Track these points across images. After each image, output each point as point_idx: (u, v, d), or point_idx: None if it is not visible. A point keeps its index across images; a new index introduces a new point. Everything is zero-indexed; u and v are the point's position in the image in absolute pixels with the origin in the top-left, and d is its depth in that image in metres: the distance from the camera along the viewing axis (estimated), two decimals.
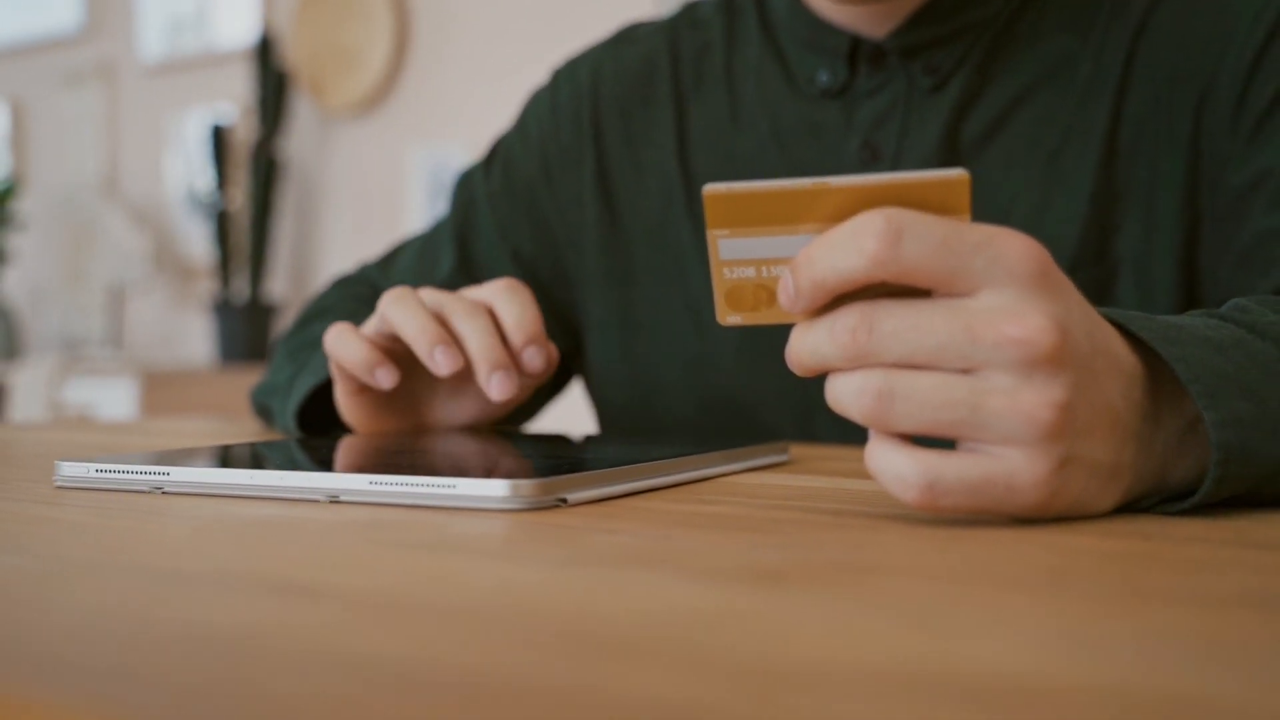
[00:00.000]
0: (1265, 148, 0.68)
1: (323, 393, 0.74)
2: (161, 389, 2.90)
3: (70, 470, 0.50)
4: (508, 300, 0.65)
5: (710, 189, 0.40)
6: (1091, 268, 0.72)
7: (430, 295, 0.65)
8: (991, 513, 0.39)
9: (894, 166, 0.76)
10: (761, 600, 0.29)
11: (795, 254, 0.40)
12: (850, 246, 0.38)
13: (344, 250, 3.19)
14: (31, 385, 2.91)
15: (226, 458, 0.53)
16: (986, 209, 0.74)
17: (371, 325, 0.66)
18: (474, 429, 0.69)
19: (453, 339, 0.63)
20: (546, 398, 0.92)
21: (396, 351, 0.66)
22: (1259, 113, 0.68)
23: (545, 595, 0.29)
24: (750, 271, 0.42)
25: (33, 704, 0.20)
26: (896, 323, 0.39)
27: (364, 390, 0.67)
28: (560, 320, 0.88)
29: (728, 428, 0.81)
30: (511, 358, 0.64)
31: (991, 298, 0.38)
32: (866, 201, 0.40)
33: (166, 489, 0.48)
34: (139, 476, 0.49)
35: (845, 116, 0.78)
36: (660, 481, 0.50)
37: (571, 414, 1.21)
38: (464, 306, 0.64)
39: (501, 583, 0.31)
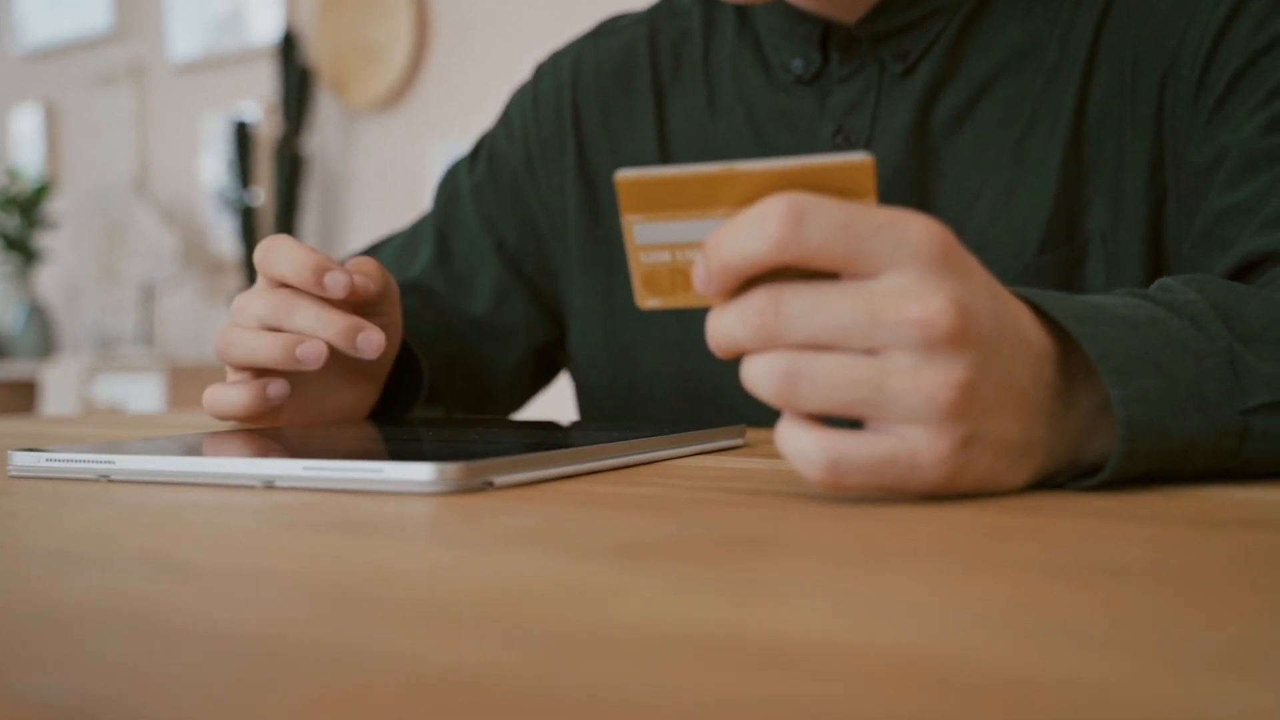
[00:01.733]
0: (1224, 126, 0.68)
1: None
2: (190, 384, 2.94)
3: (22, 460, 0.52)
4: (274, 253, 0.63)
5: (622, 174, 0.41)
6: (1061, 247, 0.72)
7: (245, 314, 0.63)
8: (896, 491, 0.40)
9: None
10: (618, 575, 0.29)
11: (706, 238, 0.41)
12: (755, 231, 0.39)
13: (367, 244, 3.21)
14: (63, 382, 2.95)
15: (171, 446, 0.54)
16: (957, 192, 0.74)
17: (236, 354, 0.64)
18: (437, 416, 0.70)
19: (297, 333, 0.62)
20: (532, 389, 0.93)
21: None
22: (1219, 91, 0.68)
23: (412, 572, 0.30)
24: (665, 256, 0.43)
25: None
26: (801, 304, 0.39)
27: (276, 399, 0.65)
28: (546, 311, 0.89)
29: (706, 413, 0.81)
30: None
31: (894, 279, 0.39)
32: (774, 186, 0.40)
33: (113, 477, 0.49)
34: (86, 465, 0.50)
35: (819, 103, 0.79)
36: (596, 465, 0.51)
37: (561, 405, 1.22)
38: (281, 302, 0.62)
39: (385, 561, 0.32)
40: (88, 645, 0.23)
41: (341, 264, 0.64)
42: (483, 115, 2.99)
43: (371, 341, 0.62)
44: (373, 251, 0.95)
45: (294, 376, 0.65)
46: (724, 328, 0.41)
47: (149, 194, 3.69)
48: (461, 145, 3.00)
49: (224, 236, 3.50)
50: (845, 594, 0.27)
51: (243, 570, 0.31)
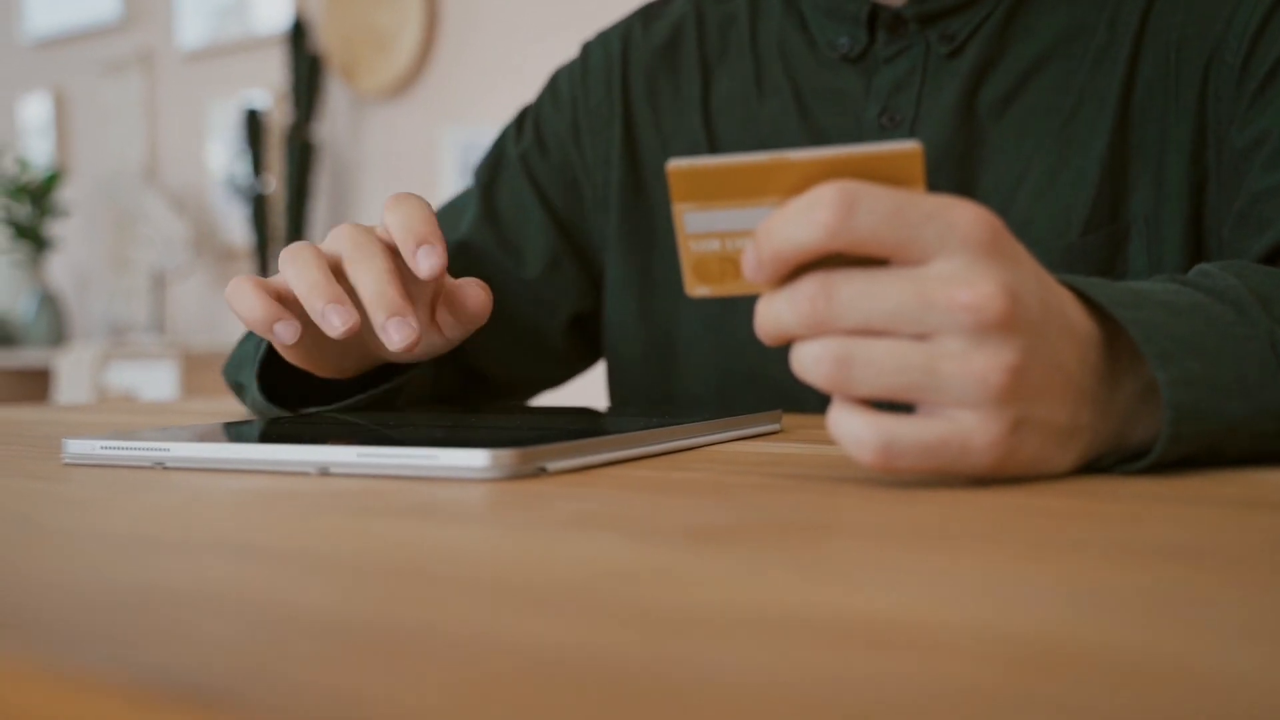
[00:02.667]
0: (1267, 110, 0.69)
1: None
2: (202, 371, 2.95)
3: (77, 448, 0.53)
4: (394, 209, 0.61)
5: (674, 164, 0.42)
6: (1104, 229, 0.73)
7: (334, 244, 0.61)
8: (947, 474, 0.40)
9: (911, 132, 0.77)
10: (694, 558, 0.30)
11: (757, 226, 0.42)
12: (806, 218, 0.40)
13: None
14: (76, 370, 2.96)
15: (224, 434, 0.55)
16: (1002, 174, 0.75)
17: (276, 278, 0.62)
18: (476, 402, 0.70)
19: (348, 291, 0.60)
20: (574, 363, 0.93)
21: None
22: (1262, 75, 0.69)
23: (487, 556, 0.31)
24: (715, 244, 0.43)
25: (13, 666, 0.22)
26: (853, 290, 0.40)
27: (287, 342, 0.62)
28: (591, 280, 0.89)
29: (743, 391, 0.82)
30: (409, 303, 0.59)
31: (944, 265, 0.39)
32: (824, 174, 0.41)
33: (168, 464, 0.50)
34: (142, 453, 0.51)
35: (864, 83, 0.80)
36: (642, 451, 0.52)
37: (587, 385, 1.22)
38: (361, 251, 0.60)
39: (453, 544, 0.33)
40: (192, 626, 0.24)
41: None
42: (493, 101, 3.00)
43: (400, 334, 0.57)
44: None
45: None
46: (773, 314, 0.41)
47: (159, 182, 3.70)
48: (472, 131, 3.01)
49: (234, 224, 3.51)
50: (924, 575, 0.28)
51: (322, 554, 0.31)
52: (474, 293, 0.64)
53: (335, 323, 0.58)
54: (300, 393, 0.74)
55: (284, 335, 0.60)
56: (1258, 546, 0.31)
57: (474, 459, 0.45)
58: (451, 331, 0.66)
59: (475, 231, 0.88)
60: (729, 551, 0.31)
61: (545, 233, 0.88)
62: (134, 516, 0.39)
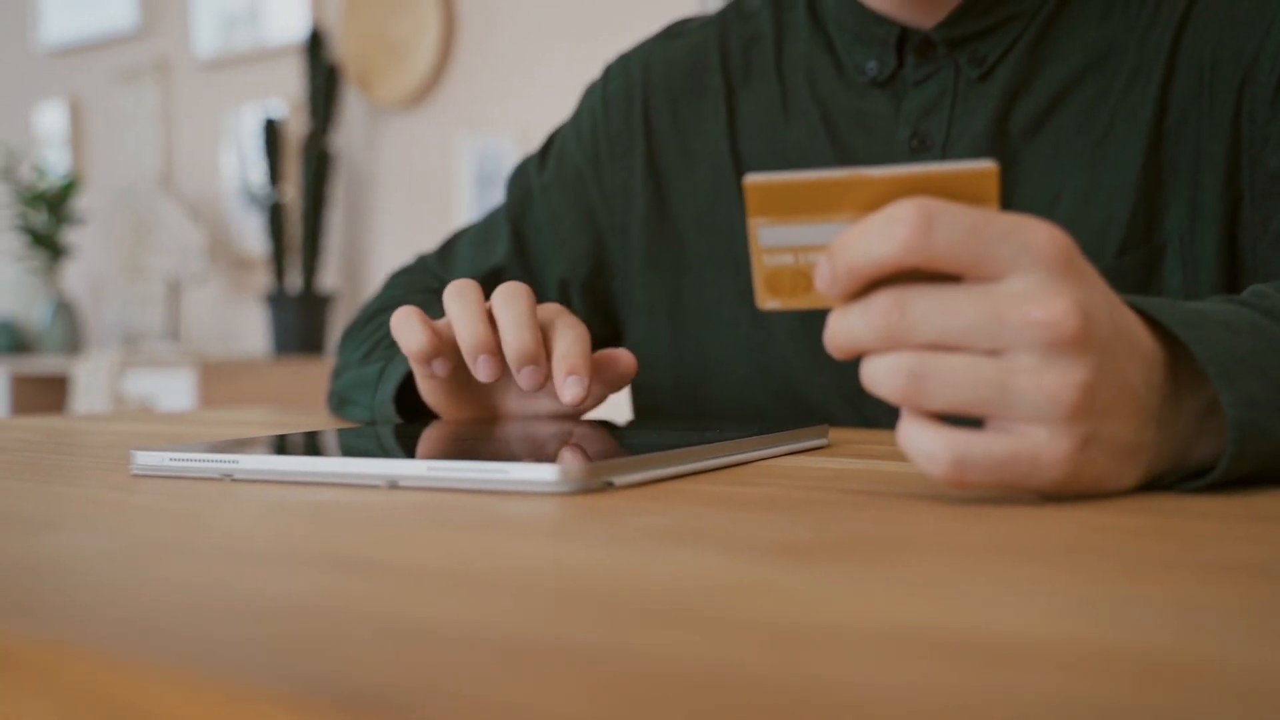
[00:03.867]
0: None
1: (411, 383, 0.75)
2: (218, 380, 2.96)
3: (145, 459, 0.53)
4: (560, 331, 0.65)
5: (751, 179, 0.42)
6: (1139, 249, 0.73)
7: (496, 293, 0.66)
8: (1018, 489, 0.41)
9: (943, 155, 0.77)
10: (791, 572, 0.31)
11: (831, 241, 0.42)
12: (883, 233, 0.40)
13: (395, 241, 3.24)
14: (93, 377, 2.97)
15: (292, 446, 0.56)
16: (1036, 195, 0.76)
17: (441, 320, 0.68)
18: (536, 417, 0.71)
19: (498, 346, 0.64)
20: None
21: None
22: None
23: (585, 569, 0.32)
24: (789, 258, 0.44)
25: (117, 667, 0.23)
26: (927, 305, 0.41)
27: (438, 376, 0.68)
28: (599, 309, 0.91)
29: (781, 412, 0.83)
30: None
31: (1018, 282, 0.40)
32: (899, 191, 0.42)
33: (236, 476, 0.51)
34: (210, 464, 0.52)
35: (894, 106, 0.80)
36: (703, 465, 0.52)
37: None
38: (514, 316, 0.64)
39: (544, 558, 0.33)
40: (338, 638, 0.25)
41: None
42: (509, 112, 3.01)
43: (529, 376, 0.64)
44: (445, 250, 0.96)
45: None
46: (846, 328, 0.42)
47: (174, 190, 3.72)
48: (489, 141, 3.02)
49: (250, 233, 3.52)
50: (1022, 590, 0.28)
51: (431, 568, 0.32)
52: (625, 358, 0.69)
53: (483, 371, 0.64)
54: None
55: (439, 370, 0.66)
56: None
57: (543, 473, 0.46)
58: (598, 395, 0.70)
59: (508, 265, 0.91)
60: (826, 567, 0.31)
61: (559, 266, 0.91)
62: (224, 529, 0.40)
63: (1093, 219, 0.74)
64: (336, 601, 0.28)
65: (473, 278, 0.88)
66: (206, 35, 3.63)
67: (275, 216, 3.25)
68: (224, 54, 3.59)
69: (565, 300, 0.91)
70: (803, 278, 0.44)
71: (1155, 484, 0.44)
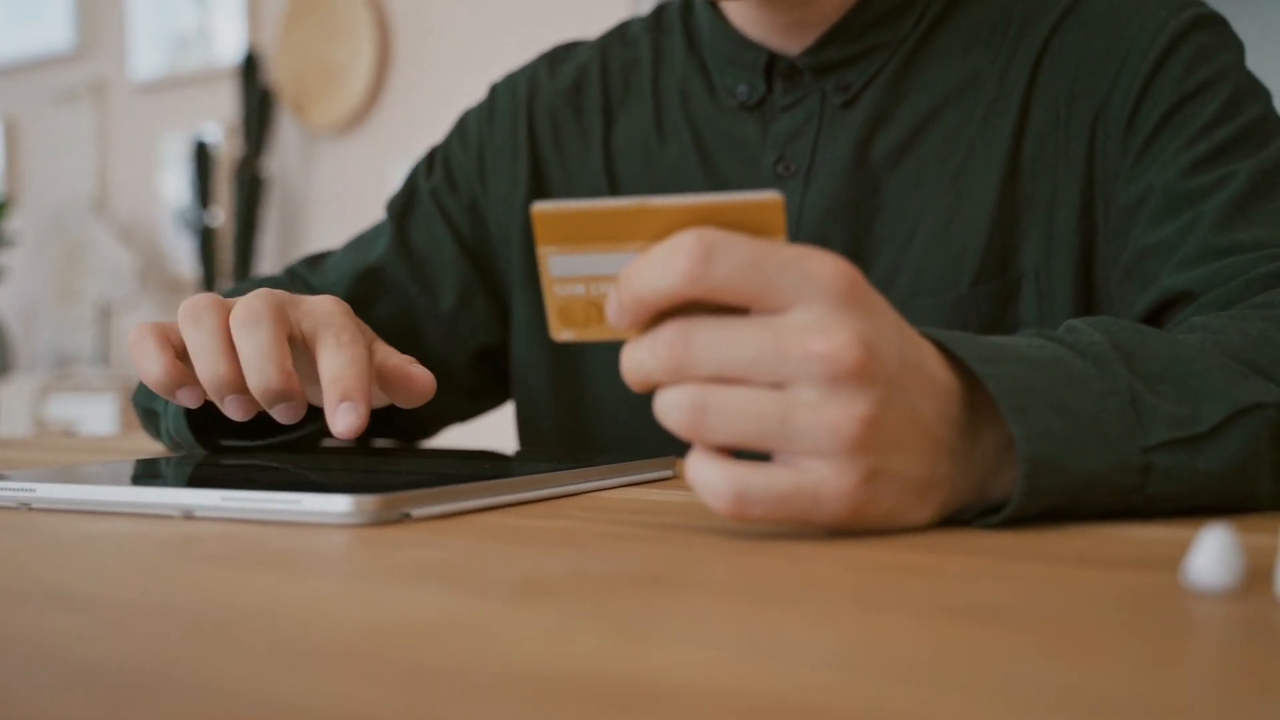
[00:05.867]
0: (1151, 166, 0.69)
1: None
2: None
3: None
4: (328, 350, 0.58)
5: (538, 207, 0.42)
6: (995, 280, 0.73)
7: (233, 315, 0.58)
8: (801, 524, 0.40)
9: (806, 181, 0.77)
10: (508, 612, 0.30)
11: (620, 271, 0.42)
12: (665, 264, 0.40)
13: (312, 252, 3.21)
14: (16, 400, 2.93)
15: (92, 475, 0.54)
16: (896, 223, 0.75)
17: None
18: (358, 444, 0.69)
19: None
20: (481, 398, 0.92)
21: None
22: (1147, 133, 0.70)
23: (306, 608, 0.30)
24: (580, 288, 0.43)
25: None
26: (709, 338, 0.40)
27: (189, 407, 0.61)
28: (500, 314, 0.89)
29: (654, 429, 0.81)
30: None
31: (801, 315, 0.39)
32: (688, 221, 0.41)
33: (34, 505, 0.50)
34: (7, 494, 0.50)
35: (762, 130, 0.80)
36: (516, 498, 0.51)
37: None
38: (255, 345, 0.57)
39: (274, 596, 0.32)
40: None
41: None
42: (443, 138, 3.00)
43: (285, 418, 0.58)
44: (318, 257, 0.93)
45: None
46: (636, 360, 0.41)
47: (108, 213, 3.68)
48: None
49: (183, 256, 3.49)
50: (724, 634, 0.28)
51: (139, 604, 0.31)
52: (421, 379, 0.62)
53: (232, 411, 0.59)
54: (225, 424, 0.72)
55: (186, 402, 0.59)
56: (1088, 607, 0.30)
57: (336, 504, 0.45)
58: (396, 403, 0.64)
59: (388, 261, 0.88)
60: (548, 607, 0.30)
61: (457, 266, 0.88)
62: None
63: (950, 248, 0.74)
64: (34, 642, 0.27)
65: (348, 279, 0.86)
66: (144, 57, 3.60)
67: (206, 240, 3.22)
68: (161, 76, 3.56)
69: (468, 302, 0.87)
70: (595, 308, 0.43)
71: (954, 519, 0.44)
